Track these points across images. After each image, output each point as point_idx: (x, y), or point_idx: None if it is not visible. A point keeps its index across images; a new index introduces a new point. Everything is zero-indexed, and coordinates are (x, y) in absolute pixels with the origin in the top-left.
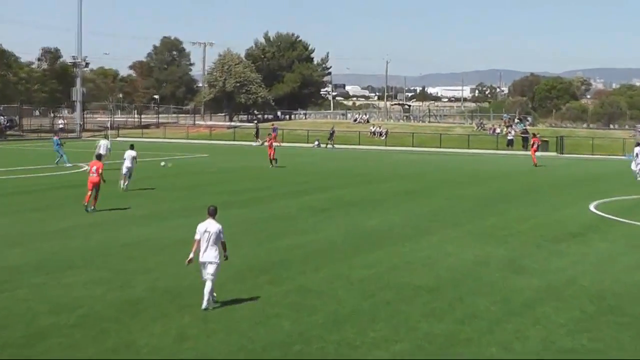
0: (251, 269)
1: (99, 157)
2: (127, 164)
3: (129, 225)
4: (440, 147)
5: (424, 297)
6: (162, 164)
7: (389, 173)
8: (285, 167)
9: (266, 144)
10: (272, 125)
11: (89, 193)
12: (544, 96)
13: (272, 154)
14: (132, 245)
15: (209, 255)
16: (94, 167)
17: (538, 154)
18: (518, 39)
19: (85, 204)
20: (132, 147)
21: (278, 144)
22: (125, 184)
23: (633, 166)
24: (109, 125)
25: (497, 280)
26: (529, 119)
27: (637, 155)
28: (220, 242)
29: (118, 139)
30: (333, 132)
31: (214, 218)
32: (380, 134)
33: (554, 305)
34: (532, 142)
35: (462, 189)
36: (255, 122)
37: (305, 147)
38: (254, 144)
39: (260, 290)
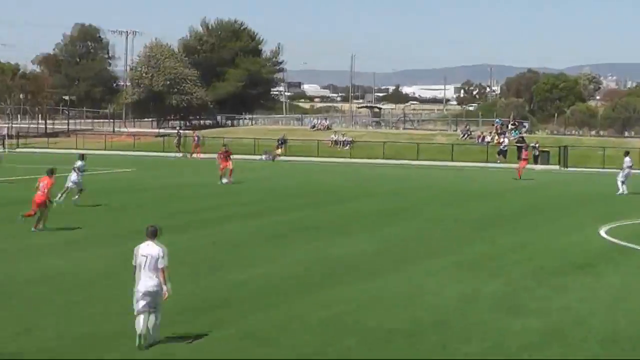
0: (186, 309)
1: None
2: (72, 177)
3: (36, 256)
4: (418, 159)
5: (399, 343)
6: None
7: (356, 191)
8: (234, 184)
9: (197, 154)
10: (194, 133)
11: (33, 212)
12: (544, 97)
13: (223, 168)
14: (39, 281)
15: (150, 283)
16: (42, 184)
17: (539, 167)
18: (513, 29)
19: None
20: (81, 158)
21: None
22: (74, 198)
23: (620, 178)
24: (5, 132)
25: (488, 322)
26: (525, 124)
27: (626, 167)
28: (160, 269)
29: (18, 150)
30: (284, 140)
31: (154, 240)
32: (345, 144)
33: (558, 352)
34: (523, 153)
35: (446, 210)
36: (178, 129)
37: (252, 159)
38: (178, 155)
39: (197, 336)
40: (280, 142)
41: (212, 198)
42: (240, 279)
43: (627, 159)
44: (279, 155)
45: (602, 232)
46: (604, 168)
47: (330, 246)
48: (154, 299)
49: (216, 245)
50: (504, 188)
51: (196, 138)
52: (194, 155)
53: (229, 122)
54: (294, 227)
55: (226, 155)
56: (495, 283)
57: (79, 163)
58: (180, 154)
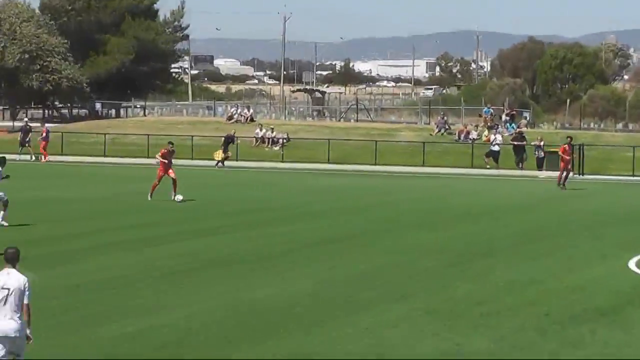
0: None
1: None
2: None
3: None
4: (376, 164)
5: None
6: None
7: (291, 209)
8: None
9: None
10: (44, 127)
11: None
12: (552, 77)
13: (161, 177)
14: None
15: (10, 326)
16: None
17: (544, 173)
18: None
19: None
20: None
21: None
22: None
23: None
24: None
25: None
26: (526, 115)
27: None
28: (25, 305)
29: None
30: (232, 139)
31: (15, 267)
32: (274, 142)
33: None
34: (561, 151)
35: (416, 236)
36: (26, 121)
37: (145, 163)
38: (25, 155)
39: None
40: (228, 141)
41: (85, 219)
42: (122, 333)
43: None
44: (225, 158)
45: (633, 265)
46: (634, 175)
47: (253, 287)
48: (17, 347)
49: (82, 288)
50: (496, 203)
51: (45, 133)
52: (43, 157)
53: (111, 111)
54: (201, 259)
55: (170, 159)
56: (483, 337)
57: None
58: (29, 155)
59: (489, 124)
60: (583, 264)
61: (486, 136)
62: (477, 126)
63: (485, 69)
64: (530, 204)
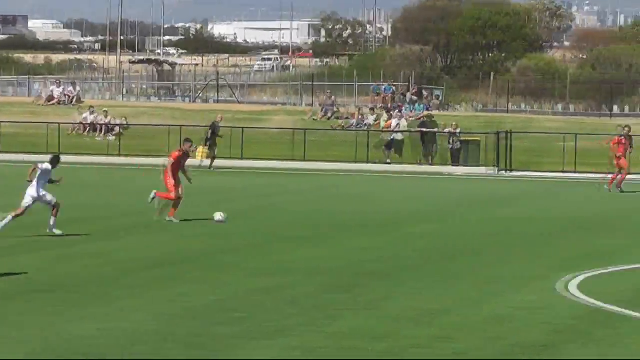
0: None
1: None
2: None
3: None
4: (242, 158)
5: None
6: None
7: (126, 218)
8: None
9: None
10: None
11: None
12: (471, 44)
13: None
14: None
15: None
16: None
17: (459, 170)
18: None
19: None
20: None
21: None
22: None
23: None
24: None
25: None
26: (438, 94)
27: None
28: None
29: None
30: (216, 127)
31: None
32: (109, 129)
33: None
34: (616, 143)
35: (293, 252)
36: None
37: None
38: None
39: None
40: (211, 131)
41: None
42: None
43: None
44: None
45: (574, 288)
46: (575, 170)
47: (75, 321)
48: None
49: None
50: (398, 209)
51: None
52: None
53: None
54: None
55: (184, 164)
56: None
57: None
58: None
59: (389, 105)
60: (510, 287)
61: (386, 121)
62: (373, 108)
63: (385, 34)
64: (443, 209)
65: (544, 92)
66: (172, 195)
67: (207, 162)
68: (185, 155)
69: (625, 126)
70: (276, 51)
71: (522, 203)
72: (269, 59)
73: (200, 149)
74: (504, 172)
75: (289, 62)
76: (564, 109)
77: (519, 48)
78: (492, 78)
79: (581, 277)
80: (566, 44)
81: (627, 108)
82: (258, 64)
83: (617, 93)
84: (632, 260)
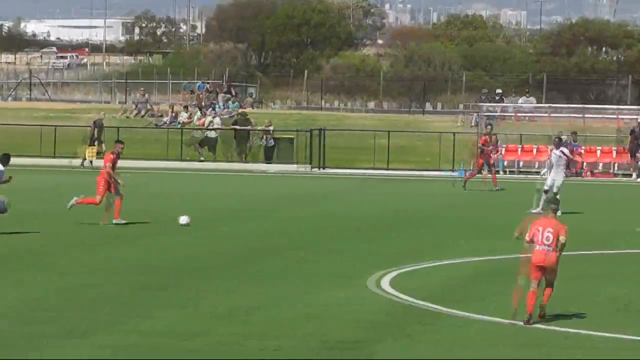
0: None
1: None
2: None
3: None
4: (55, 157)
5: None
6: None
7: None
8: None
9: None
10: None
11: None
12: (285, 41)
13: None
14: None
15: None
16: None
17: (273, 167)
18: None
19: None
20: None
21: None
22: None
23: (549, 182)
24: None
25: None
26: (251, 91)
27: (554, 164)
28: None
29: None
30: (99, 125)
31: None
32: None
33: None
34: (481, 145)
35: (105, 252)
36: None
37: None
38: None
39: None
40: (96, 130)
41: None
42: None
43: (556, 152)
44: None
45: (386, 284)
46: (388, 168)
47: None
48: None
49: None
50: (213, 207)
51: None
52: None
53: None
54: None
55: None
56: None
57: None
58: None
59: (202, 102)
60: (323, 285)
61: (199, 119)
62: (187, 106)
63: (198, 32)
64: (258, 207)
65: (358, 89)
66: (97, 200)
67: (96, 161)
68: (118, 156)
69: (488, 125)
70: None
71: (335, 200)
72: (64, 57)
73: (89, 149)
74: (317, 169)
75: (85, 60)
76: (377, 106)
77: (332, 46)
78: (305, 76)
79: (393, 274)
80: (379, 41)
81: (439, 105)
82: (53, 62)
83: (430, 90)
84: (442, 256)
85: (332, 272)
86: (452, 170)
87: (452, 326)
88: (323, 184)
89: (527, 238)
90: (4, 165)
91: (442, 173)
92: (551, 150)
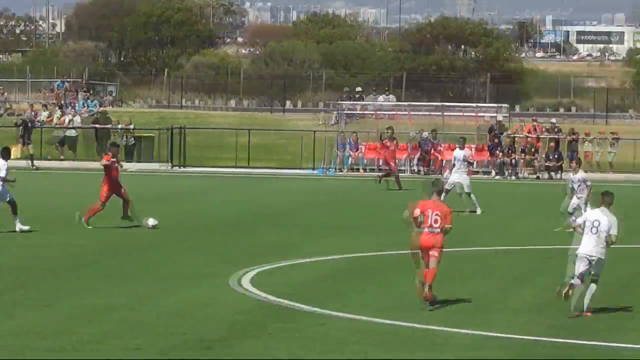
0: None
1: None
2: None
3: None
4: None
5: None
6: None
7: None
8: None
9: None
10: None
11: None
12: (145, 40)
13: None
14: None
15: None
16: None
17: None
18: None
19: None
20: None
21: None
22: None
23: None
24: None
25: None
26: (111, 89)
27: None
28: None
29: None
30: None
31: None
32: None
33: None
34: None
35: None
36: None
37: None
38: None
39: None
40: (23, 127)
41: None
42: None
43: (460, 151)
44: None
45: (247, 283)
46: (249, 165)
47: None
48: None
49: None
50: (71, 205)
51: None
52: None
53: None
54: None
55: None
56: None
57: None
58: None
59: (62, 101)
60: (185, 283)
61: (59, 117)
62: (46, 105)
63: (58, 30)
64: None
65: (218, 87)
66: (99, 205)
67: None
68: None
69: (388, 128)
70: None
71: (196, 199)
72: None
73: (16, 145)
74: (178, 168)
75: None
76: (238, 104)
77: (192, 44)
78: (166, 74)
79: (254, 272)
80: (240, 39)
81: (299, 103)
82: None
83: (291, 88)
84: (303, 254)
85: (193, 271)
86: (313, 169)
87: (312, 324)
88: (184, 183)
89: (415, 213)
90: (4, 159)
91: (303, 171)
92: (456, 150)
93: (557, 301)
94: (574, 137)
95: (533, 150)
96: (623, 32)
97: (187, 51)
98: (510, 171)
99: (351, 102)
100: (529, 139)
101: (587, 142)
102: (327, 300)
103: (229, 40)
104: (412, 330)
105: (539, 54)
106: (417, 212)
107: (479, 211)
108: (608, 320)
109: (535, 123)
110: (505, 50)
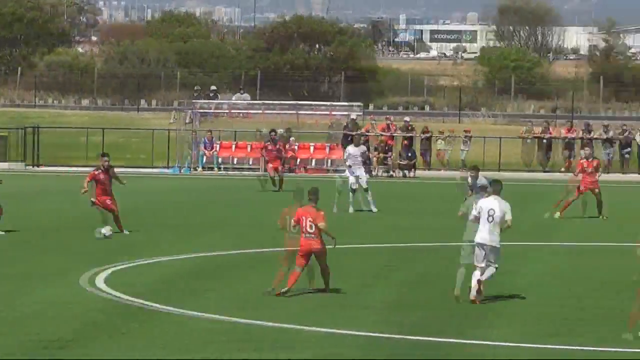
0: None
1: None
2: None
3: None
4: None
5: None
6: None
7: None
8: None
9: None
10: None
11: None
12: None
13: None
14: None
15: None
16: None
17: None
18: None
19: None
20: None
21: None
22: None
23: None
24: None
25: None
26: None
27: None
28: None
29: None
30: None
31: None
32: None
33: None
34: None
35: None
36: None
37: None
38: None
39: None
40: None
41: None
42: None
43: (352, 148)
44: None
45: (100, 282)
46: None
47: None
48: None
49: None
50: None
51: None
52: None
53: None
54: None
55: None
56: None
57: None
58: None
59: None
60: (38, 284)
61: None
62: None
63: None
64: None
65: (72, 86)
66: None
67: None
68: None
69: (272, 130)
70: None
71: (49, 198)
72: None
73: None
74: (31, 167)
75: None
76: (92, 103)
77: (46, 43)
78: (19, 73)
79: (108, 272)
80: (94, 38)
81: (154, 102)
82: None
83: (144, 87)
84: (158, 253)
85: (45, 271)
86: (167, 167)
87: (169, 323)
88: (37, 182)
89: (292, 222)
90: None
91: (157, 170)
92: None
93: (408, 299)
94: (427, 135)
95: (386, 148)
96: (476, 31)
97: (40, 50)
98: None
99: (205, 101)
100: (382, 137)
101: (440, 140)
102: (184, 300)
103: (82, 39)
104: (268, 329)
105: (393, 53)
106: (293, 222)
107: (374, 209)
108: (462, 318)
109: (388, 121)
110: (359, 49)
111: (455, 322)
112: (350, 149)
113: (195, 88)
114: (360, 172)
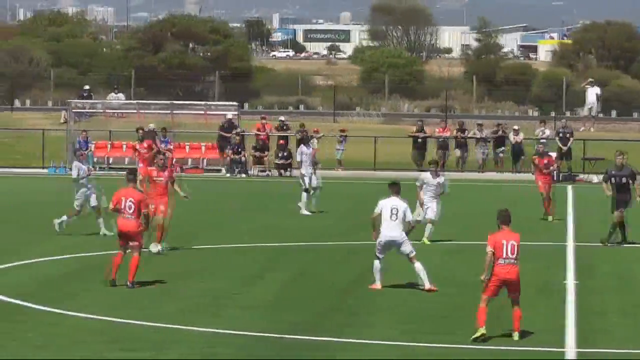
0: None
1: None
2: None
3: None
4: None
5: None
6: None
7: None
8: None
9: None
10: None
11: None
12: None
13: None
14: None
15: None
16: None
17: None
18: None
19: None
20: None
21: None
22: None
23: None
24: None
25: None
26: None
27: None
28: None
29: None
30: None
31: None
32: None
33: None
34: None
35: None
36: None
37: None
38: None
39: None
40: None
41: None
42: None
43: (304, 148)
44: None
45: None
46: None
47: None
48: None
49: None
50: None
51: None
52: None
53: None
54: None
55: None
56: None
57: None
58: None
59: None
60: None
61: None
62: None
63: None
64: None
65: None
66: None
67: None
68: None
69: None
70: None
71: None
72: None
73: None
74: None
75: None
76: None
77: None
78: None
79: None
80: None
81: (28, 102)
82: None
83: (18, 87)
84: (32, 254)
85: None
86: (43, 168)
87: (44, 324)
88: None
89: (111, 206)
90: None
91: (32, 170)
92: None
93: (286, 298)
94: (303, 134)
95: (263, 147)
96: (349, 31)
97: None
98: (239, 169)
99: (80, 101)
100: (259, 136)
101: (313, 139)
102: (60, 300)
103: None
104: (144, 329)
105: (269, 53)
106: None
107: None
108: (341, 317)
109: (264, 121)
110: (235, 48)
111: (334, 322)
112: (304, 148)
113: (85, 88)
114: (310, 171)
